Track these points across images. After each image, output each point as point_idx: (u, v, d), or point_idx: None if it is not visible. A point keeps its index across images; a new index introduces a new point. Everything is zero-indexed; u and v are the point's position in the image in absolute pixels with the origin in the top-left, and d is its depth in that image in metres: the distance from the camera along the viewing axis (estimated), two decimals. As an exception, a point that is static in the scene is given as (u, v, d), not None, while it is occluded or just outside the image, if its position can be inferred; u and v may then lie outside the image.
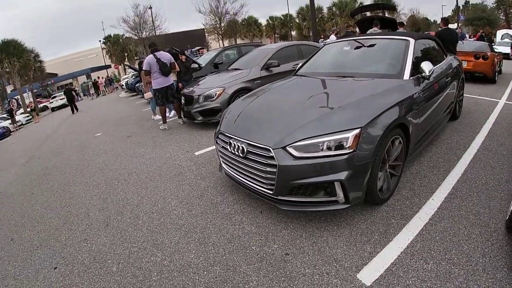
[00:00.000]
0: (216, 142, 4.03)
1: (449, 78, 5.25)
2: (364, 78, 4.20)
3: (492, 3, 61.56)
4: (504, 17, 59.84)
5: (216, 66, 10.74)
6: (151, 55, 7.77)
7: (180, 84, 9.15)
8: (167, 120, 8.42)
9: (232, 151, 3.52)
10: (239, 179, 3.63)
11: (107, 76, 43.46)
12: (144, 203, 4.38)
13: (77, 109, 21.42)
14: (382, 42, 5.11)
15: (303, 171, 3.00)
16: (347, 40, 5.57)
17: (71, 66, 54.34)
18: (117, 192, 4.87)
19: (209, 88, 7.47)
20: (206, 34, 54.50)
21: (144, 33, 47.25)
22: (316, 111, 3.45)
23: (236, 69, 8.51)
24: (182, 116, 8.56)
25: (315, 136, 3.04)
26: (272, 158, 3.06)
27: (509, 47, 19.66)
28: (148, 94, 9.45)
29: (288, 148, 3.04)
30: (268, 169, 3.11)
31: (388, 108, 3.35)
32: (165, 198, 4.43)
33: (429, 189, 3.93)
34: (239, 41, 53.87)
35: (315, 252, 3.00)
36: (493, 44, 16.16)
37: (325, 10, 59.20)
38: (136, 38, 48.08)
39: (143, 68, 7.99)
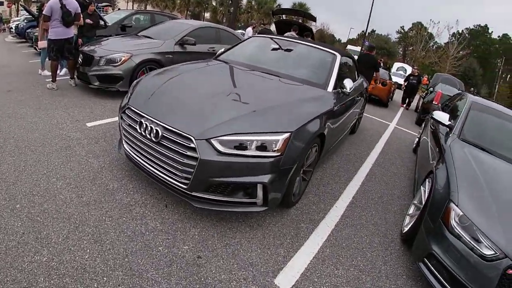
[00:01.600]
0: (121, 118, 3.52)
1: (359, 97, 5.88)
2: (290, 81, 4.25)
3: (395, 38, 69.33)
4: (402, 52, 66.92)
5: (123, 29, 9.88)
6: (56, -1, 6.62)
7: (80, 40, 8.05)
8: (57, 79, 7.28)
9: (143, 132, 3.10)
10: (145, 165, 3.21)
11: (-4, 14, 38.05)
12: (22, 180, 3.57)
13: None
14: (310, 49, 5.22)
15: (226, 169, 2.82)
16: (278, 38, 5.77)
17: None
18: (-11, 162, 3.94)
19: (114, 52, 6.66)
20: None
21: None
22: (244, 106, 3.29)
23: (146, 37, 7.81)
24: (75, 76, 7.52)
25: (244, 133, 2.88)
26: (193, 149, 2.79)
27: (402, 79, 22.14)
28: (43, 43, 8.05)
29: (212, 141, 2.80)
30: (186, 161, 2.82)
31: (315, 117, 3.43)
32: (49, 177, 3.68)
33: (332, 196, 4.29)
34: (149, 7, 51.11)
35: (229, 256, 2.87)
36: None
37: (244, 2, 59.00)
38: (42, -23, 42.70)
39: (43, 12, 6.77)
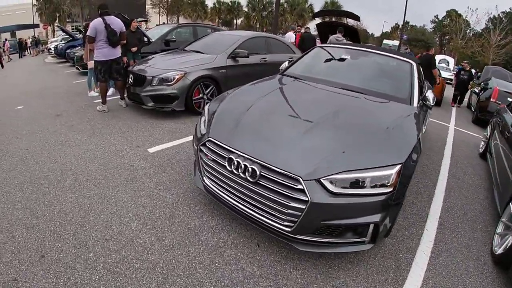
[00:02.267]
0: (200, 150, 3.17)
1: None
2: (375, 98, 3.92)
3: (429, 28, 66.70)
4: (438, 43, 64.03)
5: (167, 44, 9.66)
6: (99, 19, 6.37)
7: (125, 59, 7.79)
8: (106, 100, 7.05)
9: (234, 170, 2.77)
10: (235, 204, 2.87)
11: (34, 37, 39.30)
12: (91, 222, 3.21)
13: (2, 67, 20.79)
14: (383, 58, 4.95)
15: (339, 211, 2.52)
16: (344, 47, 5.35)
17: (-4, 20, 48.44)
18: (49, 200, 3.60)
19: (166, 70, 6.31)
20: (148, 6, 51.19)
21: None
22: (345, 136, 2.95)
23: (195, 52, 7.47)
24: (125, 97, 7.28)
25: (356, 170, 2.54)
26: (300, 191, 2.46)
27: (450, 73, 20.65)
28: (91, 64, 7.84)
29: (323, 181, 2.48)
30: (292, 203, 2.49)
31: (417, 141, 3.04)
32: (121, 217, 3.33)
33: (420, 217, 3.97)
34: (181, 19, 51.52)
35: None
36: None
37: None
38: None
39: (87, 34, 6.53)
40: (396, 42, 39.45)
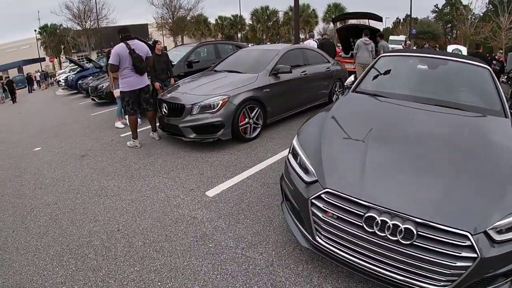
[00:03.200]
0: (312, 204, 2.52)
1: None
2: (472, 113, 3.56)
3: (431, 18, 66.02)
4: (442, 31, 63.53)
5: (190, 65, 8.92)
6: (122, 44, 5.60)
7: (157, 84, 6.99)
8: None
9: (378, 232, 2.20)
10: (373, 270, 2.31)
11: (42, 70, 39.18)
12: None
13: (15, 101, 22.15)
14: (459, 65, 4.56)
15: (503, 259, 2.12)
16: (412, 54, 5.19)
17: (2, 58, 48.64)
18: (103, 279, 2.75)
19: (207, 96, 5.50)
20: (153, 29, 51.12)
21: (89, 22, 43.25)
22: (488, 169, 2.54)
23: (231, 72, 6.70)
24: (158, 128, 6.45)
25: None
26: (469, 247, 2.05)
27: None
28: (117, 92, 6.92)
29: (489, 231, 2.10)
30: (458, 263, 2.06)
31: None
32: None
33: None
34: (186, 39, 51.27)
35: None
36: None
37: (280, 14, 58.61)
38: (79, 28, 43.78)
39: (110, 62, 5.73)
40: (402, 37, 38.64)
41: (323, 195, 2.46)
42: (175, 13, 47.66)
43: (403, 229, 2.12)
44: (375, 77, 4.55)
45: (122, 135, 6.85)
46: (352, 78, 4.82)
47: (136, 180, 4.63)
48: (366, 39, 10.92)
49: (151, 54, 6.04)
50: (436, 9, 67.31)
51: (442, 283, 2.15)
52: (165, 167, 5.01)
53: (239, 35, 60.24)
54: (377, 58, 5.05)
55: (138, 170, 4.99)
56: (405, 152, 2.80)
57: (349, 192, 2.37)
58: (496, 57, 13.16)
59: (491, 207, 2.20)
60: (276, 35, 56.91)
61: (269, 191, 4.21)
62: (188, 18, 51.06)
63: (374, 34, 12.46)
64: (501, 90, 3.95)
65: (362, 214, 2.26)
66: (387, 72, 4.67)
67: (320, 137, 3.00)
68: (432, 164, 2.60)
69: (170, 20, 47.62)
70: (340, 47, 15.00)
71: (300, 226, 2.76)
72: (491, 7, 44.97)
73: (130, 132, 6.24)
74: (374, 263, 2.30)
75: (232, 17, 60.66)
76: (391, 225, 2.15)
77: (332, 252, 2.49)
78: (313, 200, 2.50)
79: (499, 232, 2.12)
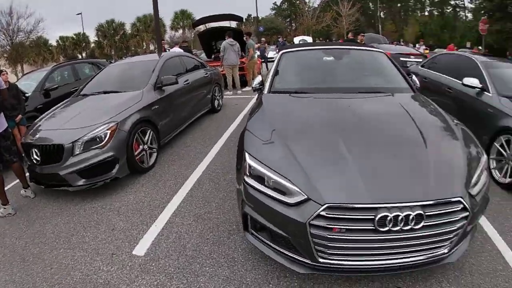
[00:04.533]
0: (312, 226, 2.32)
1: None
2: (390, 94, 3.95)
3: (271, 15, 72.42)
4: (284, 25, 69.57)
5: (47, 95, 7.41)
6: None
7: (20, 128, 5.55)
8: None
9: (392, 228, 2.24)
10: (383, 264, 2.41)
11: None
12: None
13: None
14: (359, 53, 5.02)
15: (479, 210, 2.59)
16: (313, 48, 5.34)
17: None
18: None
19: (89, 127, 4.42)
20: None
21: None
22: (432, 141, 2.87)
23: (105, 93, 5.67)
24: (29, 183, 4.88)
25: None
26: (462, 209, 2.37)
27: None
28: None
29: (470, 191, 2.49)
30: (457, 225, 2.38)
31: None
32: None
33: None
34: (26, 67, 45.39)
35: None
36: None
37: (127, 27, 56.35)
38: None
39: None
40: (307, 38, 41.18)
41: (323, 213, 2.28)
42: (14, 37, 41.54)
43: (408, 217, 2.23)
44: (285, 74, 4.50)
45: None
46: (259, 78, 4.59)
47: (31, 263, 3.32)
48: (231, 40, 10.91)
49: (4, 87, 4.61)
50: (275, 6, 74.21)
51: (445, 248, 2.44)
52: (60, 234, 3.77)
53: (83, 54, 56.08)
54: (279, 55, 4.86)
55: (26, 248, 3.61)
56: (373, 144, 2.84)
57: (353, 200, 2.31)
58: (360, 39, 14.14)
59: (460, 170, 2.57)
60: (125, 49, 54.49)
61: (207, 223, 3.71)
62: (27, 43, 45.34)
63: (237, 35, 12.57)
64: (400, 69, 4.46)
65: (373, 217, 2.24)
66: (296, 67, 4.67)
67: (284, 150, 2.74)
68: (400, 148, 2.79)
69: (8, 47, 41.44)
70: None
71: (290, 254, 2.55)
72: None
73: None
74: (384, 257, 2.38)
75: (75, 36, 56.35)
76: (403, 217, 2.23)
77: (340, 267, 2.44)
78: (312, 222, 2.29)
79: (472, 188, 2.52)
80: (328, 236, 2.29)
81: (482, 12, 20.36)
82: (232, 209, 3.93)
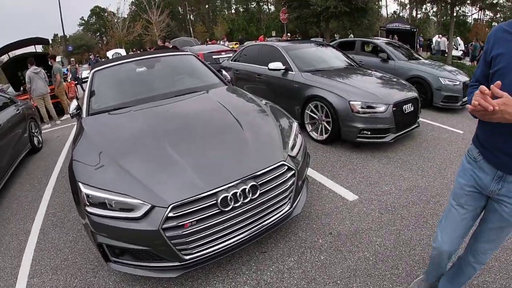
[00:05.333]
0: (165, 230, 2.44)
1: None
2: (205, 91, 4.38)
3: (80, 31, 69.13)
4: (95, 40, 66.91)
5: None
6: None
7: None
8: None
9: (235, 205, 2.57)
10: (241, 238, 2.72)
11: None
12: None
13: None
14: (169, 59, 5.33)
15: (301, 168, 3.16)
16: (122, 62, 5.02)
17: None
18: None
19: None
20: None
21: None
22: (249, 123, 3.42)
23: None
24: None
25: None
26: (288, 169, 2.91)
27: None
28: None
29: (289, 154, 3.05)
30: (289, 183, 2.90)
31: None
32: None
33: None
34: None
35: None
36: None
37: None
38: None
39: None
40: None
41: (171, 214, 2.41)
42: None
43: (246, 190, 2.58)
44: (101, 93, 4.45)
45: None
46: (75, 103, 4.38)
47: None
48: (34, 68, 9.87)
49: None
50: (83, 21, 69.53)
51: (287, 205, 2.93)
52: None
53: None
54: (91, 74, 4.75)
55: None
56: (197, 139, 3.14)
57: (192, 193, 2.48)
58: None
59: (275, 140, 3.12)
60: None
61: (68, 270, 3.46)
62: None
63: (41, 59, 11.77)
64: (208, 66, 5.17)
65: (215, 201, 2.49)
66: (110, 84, 4.67)
67: (115, 169, 2.77)
68: (221, 137, 3.18)
69: None
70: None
71: (158, 264, 2.64)
72: (134, 7, 49.26)
73: None
74: (240, 231, 2.69)
75: None
76: (240, 193, 2.56)
77: (206, 255, 2.61)
78: (164, 226, 2.41)
79: (291, 150, 3.09)
80: (183, 233, 2.44)
81: (282, 3, 23.19)
82: (87, 246, 3.76)
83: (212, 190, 2.51)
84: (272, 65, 6.21)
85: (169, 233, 2.41)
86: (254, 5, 66.13)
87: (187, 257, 2.54)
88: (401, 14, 56.03)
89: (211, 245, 2.59)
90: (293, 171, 2.89)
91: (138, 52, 22.64)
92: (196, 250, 2.55)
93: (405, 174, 4.36)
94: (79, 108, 4.31)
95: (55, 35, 62.57)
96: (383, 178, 4.31)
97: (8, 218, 4.81)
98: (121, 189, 2.55)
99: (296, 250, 3.10)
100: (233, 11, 70.83)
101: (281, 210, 2.89)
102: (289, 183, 2.86)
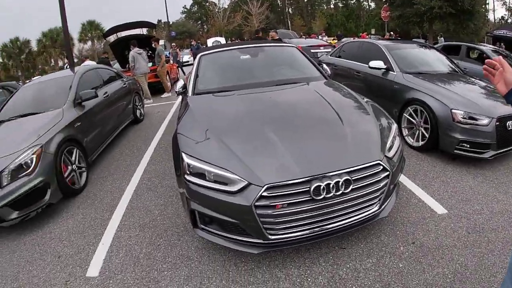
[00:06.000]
0: (257, 207, 2.55)
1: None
2: (306, 82, 4.32)
3: (182, 19, 71.67)
4: (196, 28, 69.66)
5: None
6: None
7: None
8: None
9: (326, 195, 2.58)
10: (323, 230, 2.74)
11: None
12: None
13: None
14: (272, 49, 5.50)
15: (396, 171, 3.04)
16: (228, 48, 5.43)
17: None
18: None
19: (12, 155, 4.10)
20: None
21: None
22: (347, 119, 3.31)
23: (21, 116, 5.30)
24: None
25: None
26: (383, 170, 2.82)
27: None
28: None
29: (386, 154, 2.96)
30: (382, 184, 2.83)
31: None
32: None
33: None
34: None
35: None
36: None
37: (33, 44, 51.31)
38: None
39: None
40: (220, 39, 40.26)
41: (265, 193, 2.51)
42: None
43: (339, 182, 2.56)
44: (206, 75, 4.70)
45: None
46: (181, 82, 4.77)
47: None
48: (137, 49, 10.88)
49: None
50: (185, 10, 73.35)
51: (376, 205, 2.87)
52: (6, 273, 3.42)
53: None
54: (198, 58, 5.03)
55: None
56: (298, 127, 3.18)
57: (288, 177, 2.56)
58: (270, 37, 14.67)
59: (374, 138, 3.01)
60: (33, 68, 50.15)
61: (154, 230, 3.72)
62: None
63: (144, 41, 12.69)
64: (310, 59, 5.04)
65: (308, 188, 2.53)
66: (215, 68, 4.92)
67: (218, 144, 2.95)
68: (321, 128, 3.18)
69: None
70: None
71: (242, 238, 2.76)
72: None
73: None
74: (326, 222, 2.70)
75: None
76: (334, 184, 2.54)
77: (290, 239, 2.69)
78: (256, 203, 2.52)
79: (388, 151, 2.98)
80: (273, 213, 2.55)
81: (384, 0, 22.30)
82: (176, 213, 3.99)
83: (307, 177, 2.56)
84: (373, 64, 5.96)
85: (260, 211, 2.53)
86: (354, 1, 64.31)
87: (272, 237, 2.63)
88: (509, 20, 50.55)
89: (296, 230, 2.65)
90: (388, 173, 2.82)
91: (239, 41, 23.38)
92: (282, 232, 2.64)
93: (499, 196, 3.90)
94: (185, 87, 4.63)
95: (159, 21, 66.19)
96: (476, 196, 3.90)
97: (105, 176, 5.30)
98: (222, 163, 2.70)
99: (375, 253, 3.00)
100: (331, 6, 69.63)
101: (369, 210, 2.85)
102: (382, 183, 2.80)
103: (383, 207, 2.95)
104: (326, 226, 2.71)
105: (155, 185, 4.76)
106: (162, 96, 11.90)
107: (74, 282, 3.10)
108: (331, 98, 3.75)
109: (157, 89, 12.07)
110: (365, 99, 3.90)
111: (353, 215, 2.78)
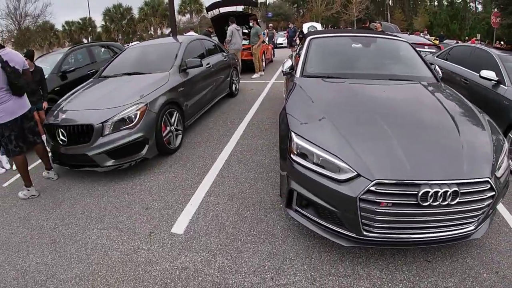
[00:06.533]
0: (361, 200, 2.45)
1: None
2: (417, 82, 4.08)
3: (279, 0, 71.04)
4: (291, 11, 69.09)
5: (64, 77, 7.25)
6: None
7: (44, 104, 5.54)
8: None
9: (432, 203, 2.41)
10: (420, 238, 2.59)
11: None
12: None
13: None
14: (385, 41, 5.15)
15: (502, 191, 2.80)
16: (340, 35, 5.46)
17: None
18: None
19: (119, 108, 4.32)
20: (-1, 43, 43.17)
21: None
22: (461, 127, 3.03)
23: (129, 75, 5.54)
24: (52, 164, 4.77)
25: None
26: (490, 189, 2.55)
27: None
28: None
29: (496, 173, 2.69)
30: (485, 203, 2.57)
31: None
32: None
33: None
34: (36, 51, 44.93)
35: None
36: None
37: (135, 11, 55.66)
38: None
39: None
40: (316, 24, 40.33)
41: (373, 188, 2.42)
42: (21, 22, 41.13)
43: (447, 192, 2.38)
44: (316, 59, 4.57)
45: (5, 184, 4.83)
46: (289, 63, 4.69)
47: (63, 245, 3.25)
48: (236, 26, 10.98)
49: (28, 67, 4.36)
50: None
51: (473, 224, 2.64)
52: (91, 214, 3.69)
53: (89, 39, 55.28)
54: (307, 41, 4.94)
55: (55, 229, 3.53)
56: (411, 126, 3.01)
57: (399, 177, 2.44)
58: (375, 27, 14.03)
59: (488, 155, 2.74)
60: (132, 34, 54.08)
61: (243, 202, 3.71)
62: (33, 28, 44.79)
63: (242, 19, 12.76)
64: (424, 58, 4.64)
65: (416, 192, 2.38)
66: (326, 53, 4.81)
67: (329, 128, 2.88)
68: (435, 132, 2.96)
69: (16, 32, 40.69)
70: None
71: (336, 228, 2.69)
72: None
73: (17, 179, 4.63)
74: (422, 231, 2.56)
75: (80, 21, 55.64)
76: (442, 193, 2.38)
77: (383, 240, 2.59)
78: (362, 197, 2.43)
79: (497, 171, 2.70)
80: (376, 210, 2.44)
81: (493, 4, 19.85)
82: (265, 189, 3.93)
83: (418, 180, 2.44)
84: (485, 73, 5.30)
85: (363, 205, 2.44)
86: (460, 0, 59.13)
87: (366, 233, 2.55)
88: None
89: (392, 231, 2.56)
90: (494, 193, 2.57)
91: (349, 29, 22.78)
92: (377, 231, 2.55)
93: None
94: (292, 68, 4.56)
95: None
96: None
97: (198, 142, 5.41)
98: (333, 149, 2.63)
99: (458, 274, 2.76)
100: (435, 2, 64.85)
101: (466, 228, 2.65)
102: (485, 203, 2.58)
103: (478, 228, 2.74)
104: (423, 235, 2.59)
105: (246, 159, 4.74)
106: (253, 76, 11.86)
107: (158, 235, 3.17)
108: (446, 103, 3.52)
109: (250, 67, 12.11)
110: (479, 110, 3.57)
111: (450, 229, 2.62)
